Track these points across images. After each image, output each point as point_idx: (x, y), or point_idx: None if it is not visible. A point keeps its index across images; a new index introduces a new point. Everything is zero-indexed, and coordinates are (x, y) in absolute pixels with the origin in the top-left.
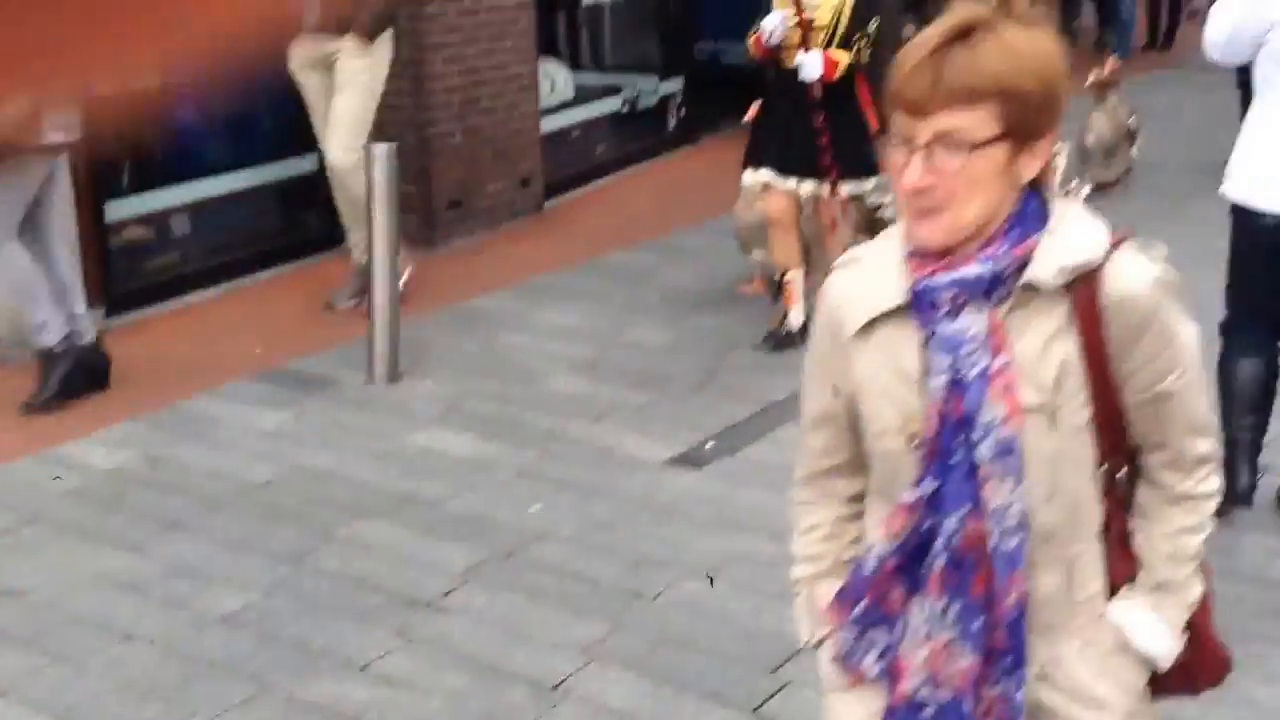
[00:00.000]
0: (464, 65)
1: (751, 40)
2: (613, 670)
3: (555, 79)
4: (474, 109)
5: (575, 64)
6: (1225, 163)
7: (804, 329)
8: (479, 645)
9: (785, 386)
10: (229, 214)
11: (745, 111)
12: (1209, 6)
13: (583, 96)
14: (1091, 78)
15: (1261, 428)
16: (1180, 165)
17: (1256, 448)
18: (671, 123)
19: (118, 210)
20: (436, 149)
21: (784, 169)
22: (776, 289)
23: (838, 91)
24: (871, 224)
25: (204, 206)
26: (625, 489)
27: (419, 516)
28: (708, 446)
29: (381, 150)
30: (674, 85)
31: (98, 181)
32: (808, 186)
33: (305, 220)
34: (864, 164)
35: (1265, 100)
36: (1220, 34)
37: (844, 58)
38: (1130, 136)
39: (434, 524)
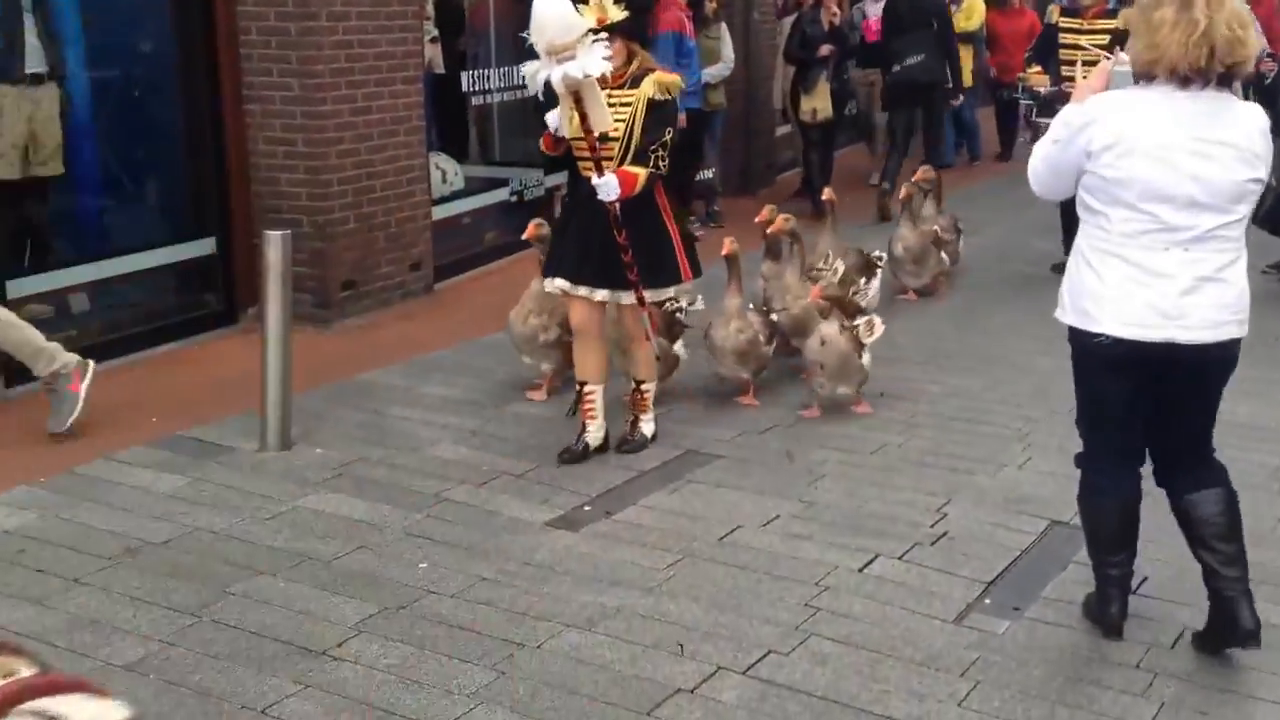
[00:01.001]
0: (358, 159)
1: (542, 140)
2: (499, 714)
3: (446, 171)
4: (368, 197)
5: (466, 157)
6: (1040, 271)
7: (604, 445)
8: (373, 691)
9: (656, 455)
10: (128, 292)
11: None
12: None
13: (472, 187)
14: (903, 188)
15: (1132, 558)
16: (999, 271)
17: (1128, 578)
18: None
19: (19, 288)
20: (331, 234)
21: (582, 279)
22: (575, 401)
23: (638, 202)
24: (670, 326)
25: (104, 285)
26: (508, 549)
27: (313, 573)
28: (585, 509)
29: (276, 236)
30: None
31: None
32: (603, 295)
33: (202, 298)
34: (666, 273)
35: (1088, 228)
36: (1040, 170)
37: (641, 173)
38: (939, 243)
39: (327, 580)
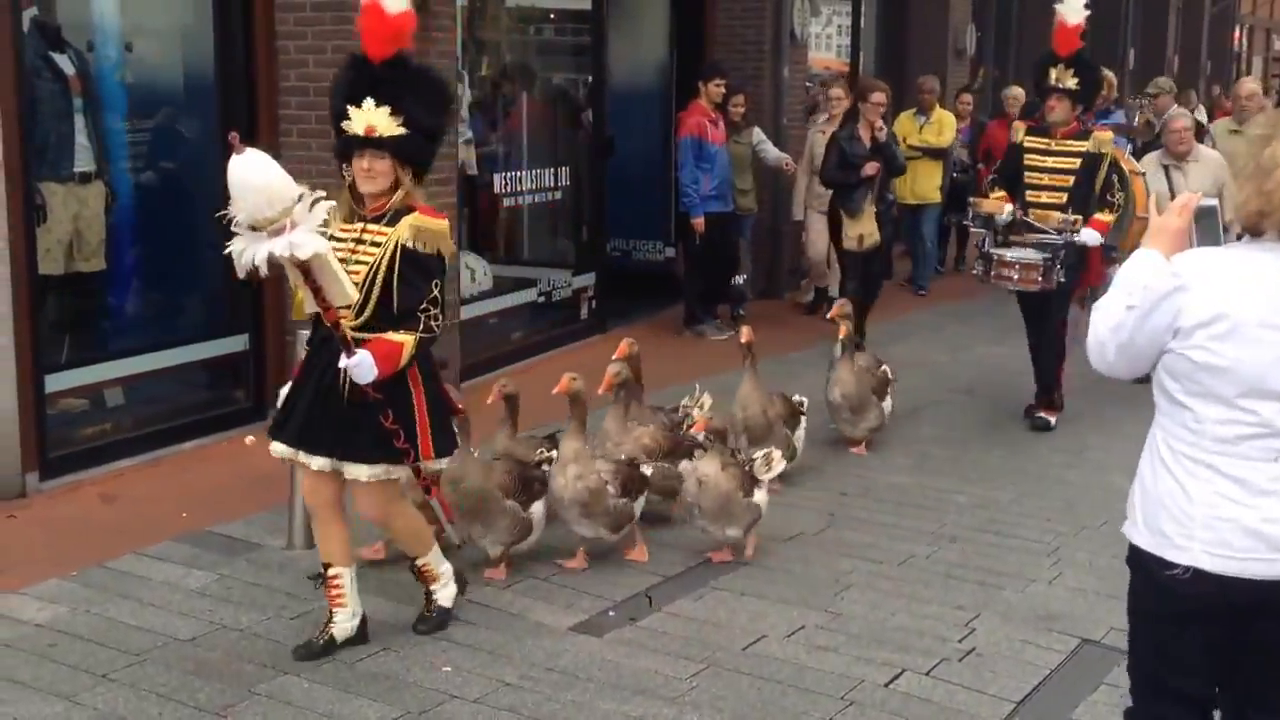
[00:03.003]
0: None
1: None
2: None
3: (475, 270)
4: None
5: (495, 258)
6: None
7: (361, 635)
8: None
9: (681, 561)
10: (161, 387)
11: (651, 306)
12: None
13: (501, 287)
14: (841, 325)
15: None
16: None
17: None
18: (583, 313)
19: (57, 382)
20: None
21: (306, 444)
22: (320, 580)
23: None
24: (528, 485)
25: (137, 380)
26: (531, 653)
27: (336, 674)
28: (609, 614)
29: (306, 335)
30: (586, 279)
31: (38, 355)
32: (320, 463)
33: (232, 394)
34: (398, 448)
35: (1169, 423)
36: (1105, 343)
37: (407, 341)
38: (882, 389)
39: (350, 682)
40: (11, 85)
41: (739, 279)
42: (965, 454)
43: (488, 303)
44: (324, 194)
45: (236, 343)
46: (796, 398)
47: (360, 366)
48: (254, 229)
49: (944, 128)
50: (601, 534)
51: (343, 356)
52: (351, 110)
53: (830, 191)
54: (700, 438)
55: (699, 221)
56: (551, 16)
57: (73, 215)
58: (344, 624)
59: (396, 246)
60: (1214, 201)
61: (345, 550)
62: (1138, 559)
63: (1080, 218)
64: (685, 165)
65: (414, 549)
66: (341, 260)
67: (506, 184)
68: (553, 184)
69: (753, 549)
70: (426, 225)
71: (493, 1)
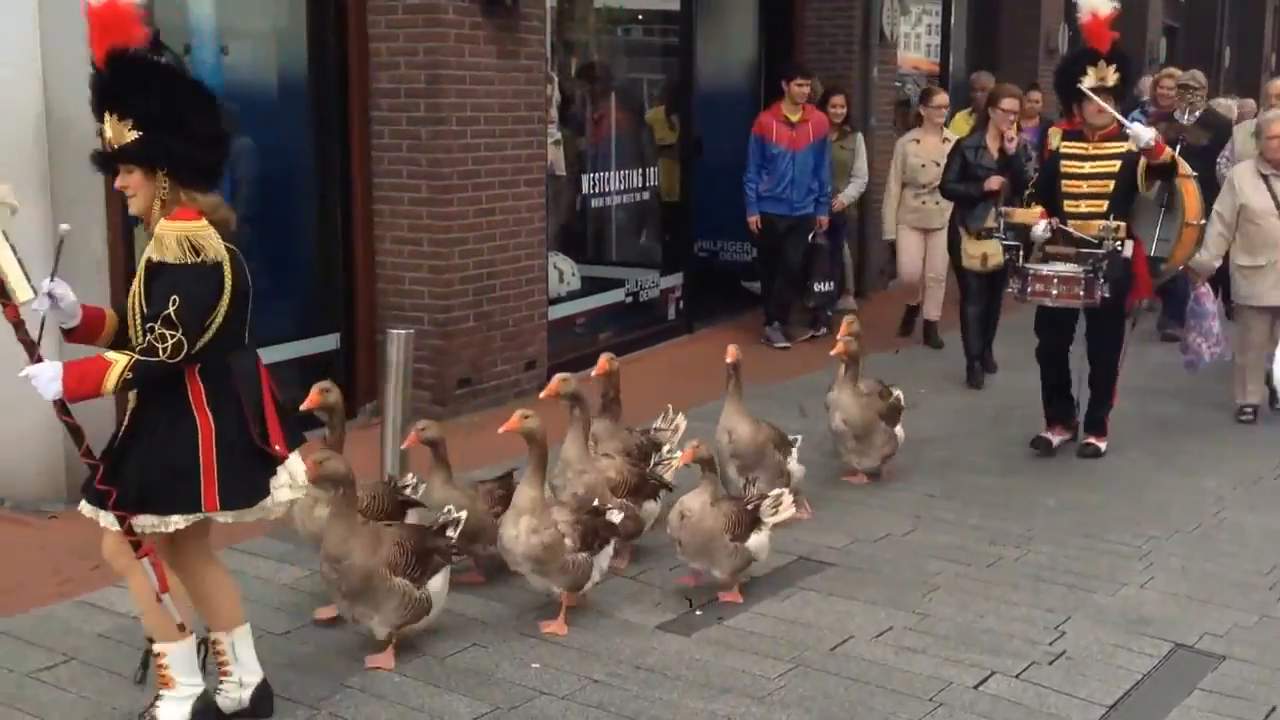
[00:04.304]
0: (480, 258)
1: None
2: None
3: (563, 271)
4: (487, 296)
5: (583, 258)
6: (1155, 383)
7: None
8: None
9: (768, 562)
10: None
11: (737, 307)
12: None
13: (588, 287)
14: (839, 341)
15: None
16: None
17: None
18: (671, 313)
19: None
20: (451, 332)
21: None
22: (144, 661)
23: (154, 396)
24: (425, 560)
25: None
26: (619, 651)
27: (426, 669)
28: (697, 614)
29: (400, 335)
30: (674, 280)
31: None
32: (88, 510)
33: None
34: (170, 498)
35: None
36: None
37: (118, 362)
38: (892, 415)
39: (440, 677)
40: None
41: (820, 285)
42: (1054, 457)
43: (575, 303)
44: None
45: (328, 342)
46: (792, 436)
47: (39, 379)
48: None
49: (959, 133)
50: (555, 592)
51: (27, 364)
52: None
53: (924, 205)
54: (667, 477)
55: (753, 220)
56: (639, 17)
57: None
58: (168, 712)
59: (144, 262)
60: None
61: (166, 624)
62: None
63: (1123, 224)
64: (748, 164)
65: (149, 623)
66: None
67: (594, 184)
68: (640, 184)
69: (733, 594)
70: (167, 230)
71: (581, 2)
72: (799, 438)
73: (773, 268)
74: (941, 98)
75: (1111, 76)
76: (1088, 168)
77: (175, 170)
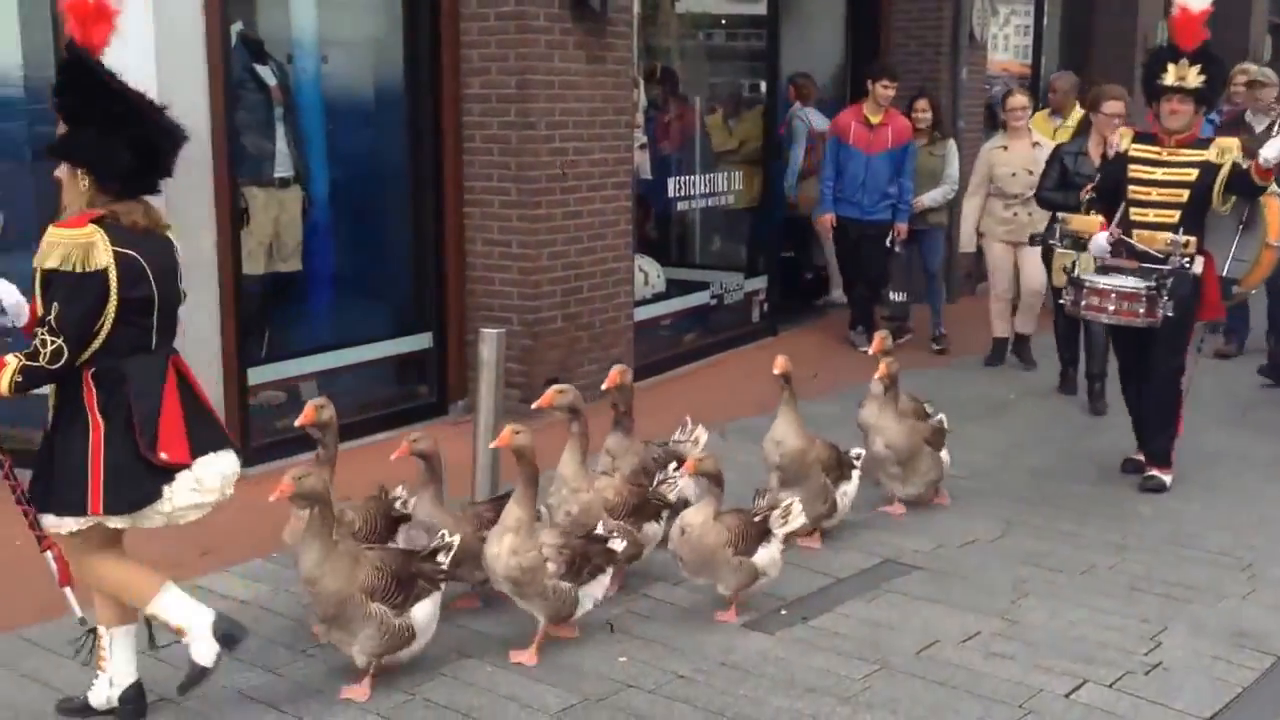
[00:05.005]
0: (567, 260)
1: None
2: None
3: (649, 273)
4: (575, 298)
5: (668, 261)
6: (1265, 395)
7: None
8: None
9: (854, 564)
10: (351, 381)
11: (817, 309)
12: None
13: (673, 290)
14: (882, 362)
15: None
16: (1221, 392)
17: None
18: (755, 316)
19: (259, 375)
20: (539, 332)
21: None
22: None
23: (63, 400)
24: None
25: (330, 374)
26: (704, 647)
27: None
28: (781, 613)
29: (492, 334)
30: (758, 283)
31: (241, 350)
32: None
33: (416, 390)
34: (61, 499)
35: None
36: None
37: (9, 364)
38: (936, 439)
39: (530, 668)
40: (220, 97)
41: (896, 295)
42: None
43: (661, 305)
44: None
45: (421, 341)
46: (854, 451)
47: None
48: None
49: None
50: (539, 618)
51: None
52: None
53: (1015, 217)
54: (670, 496)
55: (823, 218)
56: (724, 21)
57: (273, 218)
58: (97, 695)
59: (37, 268)
60: None
61: (112, 612)
62: None
63: (1194, 239)
64: (824, 163)
65: (136, 602)
66: None
67: (680, 187)
68: (725, 187)
69: (728, 614)
70: (50, 237)
71: (666, 7)
72: (861, 452)
73: (848, 271)
74: (1018, 99)
75: (1193, 77)
76: (1159, 174)
77: (92, 170)
